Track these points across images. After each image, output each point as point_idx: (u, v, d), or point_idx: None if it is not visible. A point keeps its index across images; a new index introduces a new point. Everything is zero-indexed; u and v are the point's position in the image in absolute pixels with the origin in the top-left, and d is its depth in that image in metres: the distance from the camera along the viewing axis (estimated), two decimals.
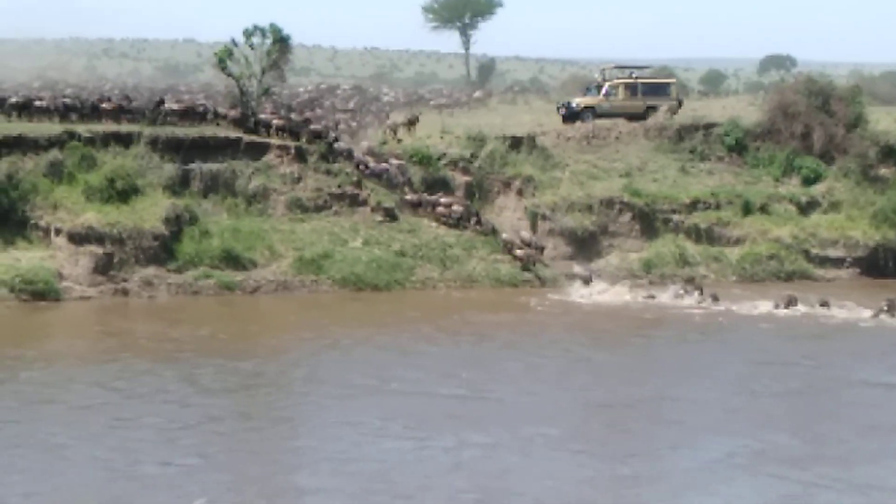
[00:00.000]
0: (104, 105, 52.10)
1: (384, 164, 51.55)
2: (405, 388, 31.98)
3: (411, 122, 57.00)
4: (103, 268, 44.56)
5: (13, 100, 51.95)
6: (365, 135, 57.09)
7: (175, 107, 53.03)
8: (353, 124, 61.63)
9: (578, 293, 46.67)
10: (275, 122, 52.71)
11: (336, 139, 52.66)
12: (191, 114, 52.34)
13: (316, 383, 32.54)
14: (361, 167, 51.37)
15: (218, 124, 52.13)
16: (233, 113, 52.62)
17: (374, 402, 30.39)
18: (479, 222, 50.29)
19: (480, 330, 40.00)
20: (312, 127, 53.16)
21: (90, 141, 48.57)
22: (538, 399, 31.00)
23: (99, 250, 44.73)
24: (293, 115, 56.79)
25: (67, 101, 53.13)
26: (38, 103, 51.49)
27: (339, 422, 28.39)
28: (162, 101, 53.75)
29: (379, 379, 32.72)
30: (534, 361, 35.46)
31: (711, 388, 32.55)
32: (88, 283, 44.18)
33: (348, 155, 51.69)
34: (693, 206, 52.95)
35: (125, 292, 44.38)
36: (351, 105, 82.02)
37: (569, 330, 40.47)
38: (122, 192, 46.64)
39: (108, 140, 48.81)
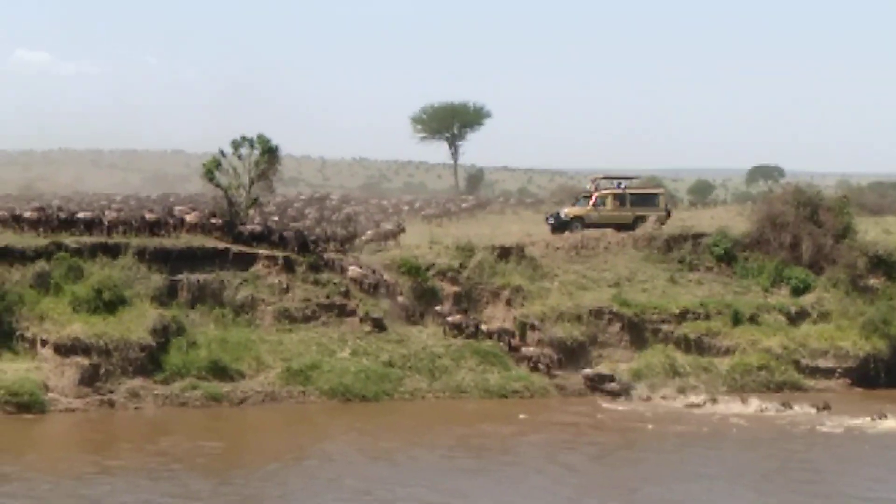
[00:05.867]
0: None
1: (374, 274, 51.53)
2: (395, 499, 31.59)
3: (395, 233, 57.17)
4: (89, 379, 44.12)
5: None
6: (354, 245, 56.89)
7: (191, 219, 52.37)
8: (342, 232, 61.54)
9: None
10: (285, 233, 52.91)
11: (324, 252, 52.43)
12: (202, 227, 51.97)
13: (304, 497, 32.08)
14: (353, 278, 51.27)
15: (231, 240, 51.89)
16: (255, 225, 52.92)
17: None
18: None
19: (469, 441, 39.63)
20: (307, 237, 52.91)
21: (77, 252, 48.50)
22: None
23: (85, 361, 44.32)
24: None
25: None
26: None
27: None
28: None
29: (367, 492, 32.31)
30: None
31: None
32: (74, 394, 43.73)
33: (337, 265, 51.71)
34: (682, 316, 52.72)
35: (111, 404, 43.91)
36: (342, 215, 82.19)
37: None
38: (109, 303, 46.35)
39: (95, 251, 48.77)
